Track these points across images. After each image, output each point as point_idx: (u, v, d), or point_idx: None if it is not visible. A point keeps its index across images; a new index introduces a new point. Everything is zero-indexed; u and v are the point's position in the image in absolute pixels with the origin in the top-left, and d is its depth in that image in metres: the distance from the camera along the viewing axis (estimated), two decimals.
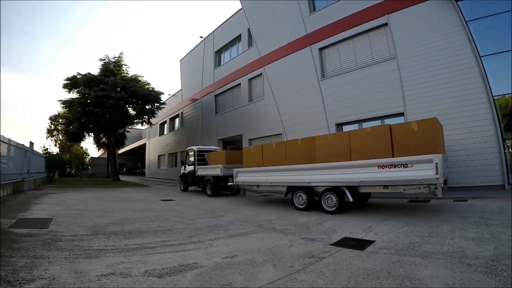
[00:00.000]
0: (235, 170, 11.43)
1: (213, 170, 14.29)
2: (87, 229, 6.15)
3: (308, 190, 8.82)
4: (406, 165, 6.55)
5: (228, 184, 13.98)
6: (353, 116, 14.13)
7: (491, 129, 10.50)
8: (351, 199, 7.69)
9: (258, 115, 19.27)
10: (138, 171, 55.83)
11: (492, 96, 10.65)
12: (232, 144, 22.72)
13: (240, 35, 21.28)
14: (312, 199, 8.80)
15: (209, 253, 4.55)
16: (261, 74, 19.10)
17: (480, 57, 10.93)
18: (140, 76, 26.08)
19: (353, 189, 7.84)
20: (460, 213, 7.38)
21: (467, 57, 11.11)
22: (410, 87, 12.36)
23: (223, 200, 12.63)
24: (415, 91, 12.18)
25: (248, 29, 19.93)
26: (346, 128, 14.55)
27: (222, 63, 23.67)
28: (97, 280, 3.37)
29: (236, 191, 14.76)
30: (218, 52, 24.11)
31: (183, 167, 17.43)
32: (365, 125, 13.57)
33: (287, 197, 10.02)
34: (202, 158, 16.16)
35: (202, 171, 15.52)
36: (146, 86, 25.91)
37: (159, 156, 35.17)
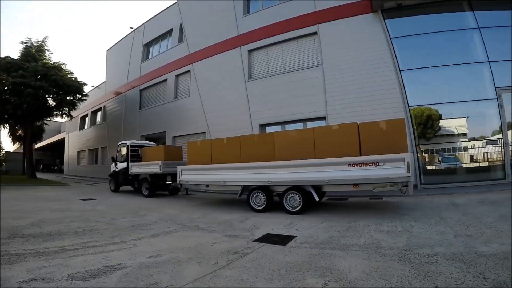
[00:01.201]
0: (179, 167, 9.80)
1: (151, 167, 12.35)
2: (3, 232, 5.53)
3: (267, 189, 7.95)
4: (377, 164, 6.32)
5: (167, 183, 12.43)
6: (277, 118, 13.69)
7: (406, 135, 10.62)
8: (317, 199, 7.23)
9: (183, 112, 17.94)
10: (56, 168, 49.80)
11: (408, 106, 11.07)
12: (155, 141, 20.79)
13: (171, 29, 19.73)
14: (272, 199, 7.97)
15: (133, 253, 4.36)
16: (188, 71, 17.83)
17: (400, 71, 11.38)
18: (63, 64, 22.87)
19: (317, 188, 7.32)
20: (376, 210, 7.62)
21: (388, 70, 11.52)
22: (333, 93, 12.36)
23: (148, 200, 11.62)
24: (338, 97, 12.20)
25: (181, 24, 18.62)
26: (269, 129, 13.99)
27: (150, 57, 21.77)
28: (18, 287, 3.08)
29: (175, 191, 13.14)
30: (147, 45, 22.17)
31: (113, 164, 14.96)
32: (288, 127, 13.29)
33: (231, 197, 9.45)
34: (136, 154, 14.00)
35: (137, 168, 13.27)
36: (69, 76, 22.73)
37: (79, 152, 31.51)
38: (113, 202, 10.74)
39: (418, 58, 11.60)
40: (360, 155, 6.70)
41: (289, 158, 7.48)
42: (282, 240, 5.00)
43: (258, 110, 14.28)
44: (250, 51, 15.22)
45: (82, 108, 27.94)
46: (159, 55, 20.55)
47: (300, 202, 7.31)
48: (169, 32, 20.08)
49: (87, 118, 30.50)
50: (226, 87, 15.69)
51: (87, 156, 29.44)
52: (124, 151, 14.23)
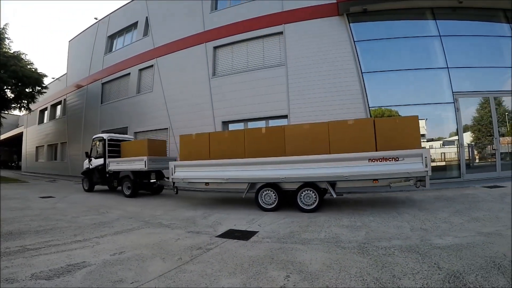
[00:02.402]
0: (172, 164, 8.62)
1: (134, 163, 10.89)
2: None
3: (278, 187, 7.34)
4: (397, 159, 6.31)
5: (151, 181, 11.15)
6: (239, 115, 13.23)
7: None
8: (335, 195, 6.90)
9: (145, 108, 17.02)
10: (13, 164, 46.66)
11: (369, 107, 11.03)
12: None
13: (137, 22, 18.73)
14: (283, 197, 7.33)
15: (96, 251, 4.30)
16: (152, 65, 16.95)
17: (362, 73, 11.32)
18: (23, 53, 21.16)
19: (331, 184, 6.98)
20: (336, 206, 7.54)
21: (351, 72, 11.47)
22: (296, 92, 12.14)
23: (109, 197, 11.18)
24: (300, 96, 12.01)
25: (147, 17, 17.76)
26: (232, 127, 13.52)
27: (114, 50, 20.58)
28: None
29: (159, 190, 11.92)
30: (112, 37, 20.94)
31: (87, 160, 13.06)
32: (250, 124, 12.87)
33: (238, 196, 8.80)
34: (114, 149, 12.30)
35: (116, 165, 11.68)
36: (29, 66, 21.05)
37: (37, 147, 29.46)
38: (73, 200, 10.31)
39: (380, 62, 11.61)
40: (376, 151, 6.53)
41: (301, 153, 6.99)
42: (244, 235, 5.04)
43: (221, 107, 13.75)
44: (215, 48, 14.65)
45: (42, 101, 26.29)
46: (123, 48, 19.48)
47: (316, 199, 6.94)
48: (134, 25, 19.08)
49: (46, 112, 28.55)
50: (189, 83, 15.01)
51: (46, 152, 27.53)
52: (100, 145, 12.52)
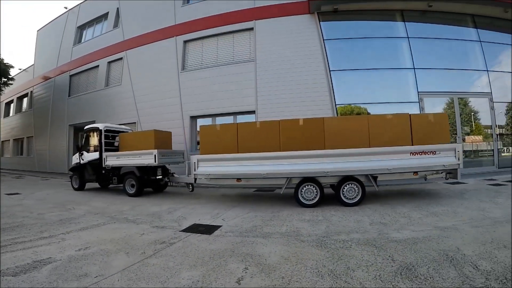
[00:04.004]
0: (194, 157, 7.65)
1: (140, 158, 9.54)
2: None
3: (318, 181, 7.06)
4: (435, 152, 6.63)
5: (158, 177, 9.81)
6: (207, 110, 12.88)
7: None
8: (377, 188, 6.96)
9: (114, 101, 16.30)
10: None
11: (335, 105, 10.97)
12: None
13: (107, 13, 17.90)
14: (323, 192, 7.11)
15: (62, 247, 4.33)
16: (121, 58, 16.25)
17: (329, 71, 11.23)
18: None
19: (374, 177, 7.02)
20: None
21: (319, 70, 11.38)
22: (264, 89, 11.95)
23: (76, 193, 10.72)
24: (268, 93, 11.84)
25: (117, 8, 17.04)
26: (200, 122, 13.13)
27: (83, 41, 19.58)
28: None
29: (163, 187, 10.89)
30: (81, 28, 19.93)
31: (77, 154, 11.33)
32: (218, 120, 12.57)
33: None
34: (111, 141, 10.91)
35: (115, 160, 10.19)
36: None
37: (2, 142, 27.86)
38: (39, 196, 10.01)
39: (349, 61, 11.59)
40: (412, 145, 6.74)
41: (339, 146, 6.85)
42: (208, 229, 5.12)
43: (189, 101, 13.32)
44: (185, 41, 14.20)
45: (8, 93, 24.98)
46: (93, 39, 18.55)
47: (358, 192, 6.86)
48: (105, 16, 18.22)
49: (12, 105, 27.03)
50: (158, 77, 14.48)
51: (12, 147, 26.13)
52: (94, 137, 10.91)
